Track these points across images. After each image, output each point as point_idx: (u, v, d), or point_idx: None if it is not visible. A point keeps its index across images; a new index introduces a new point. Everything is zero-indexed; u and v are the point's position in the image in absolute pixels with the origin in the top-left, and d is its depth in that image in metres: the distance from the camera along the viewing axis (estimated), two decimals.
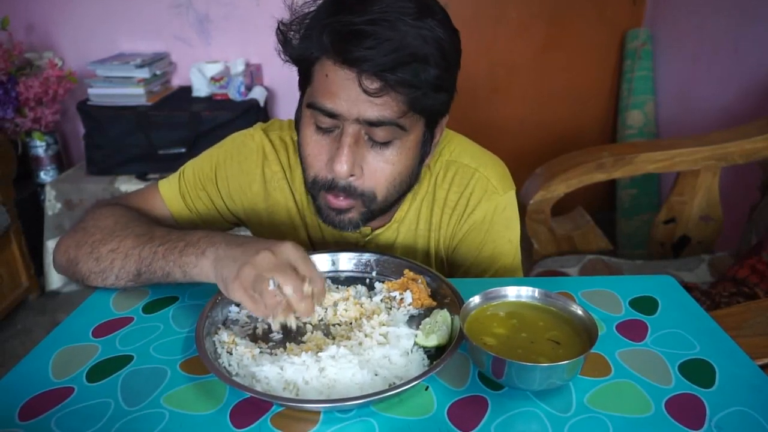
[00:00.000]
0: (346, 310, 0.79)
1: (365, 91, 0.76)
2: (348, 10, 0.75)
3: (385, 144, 0.82)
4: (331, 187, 0.84)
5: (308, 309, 0.68)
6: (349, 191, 0.84)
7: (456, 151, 1.00)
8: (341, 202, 0.85)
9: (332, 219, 0.88)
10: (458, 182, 0.99)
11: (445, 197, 0.99)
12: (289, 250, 0.70)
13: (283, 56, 0.83)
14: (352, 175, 0.83)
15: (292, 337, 0.76)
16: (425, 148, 0.89)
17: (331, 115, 0.79)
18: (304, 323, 0.77)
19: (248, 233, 1.06)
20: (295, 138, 0.99)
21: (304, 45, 0.79)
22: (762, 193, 1.87)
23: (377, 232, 1.00)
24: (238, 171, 1.00)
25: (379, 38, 0.73)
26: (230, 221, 1.05)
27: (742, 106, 2.23)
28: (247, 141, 1.00)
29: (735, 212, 2.04)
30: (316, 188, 0.86)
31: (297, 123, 0.89)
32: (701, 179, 1.85)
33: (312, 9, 0.82)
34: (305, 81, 0.84)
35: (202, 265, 0.75)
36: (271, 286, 0.67)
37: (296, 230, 1.02)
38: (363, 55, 0.73)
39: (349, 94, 0.77)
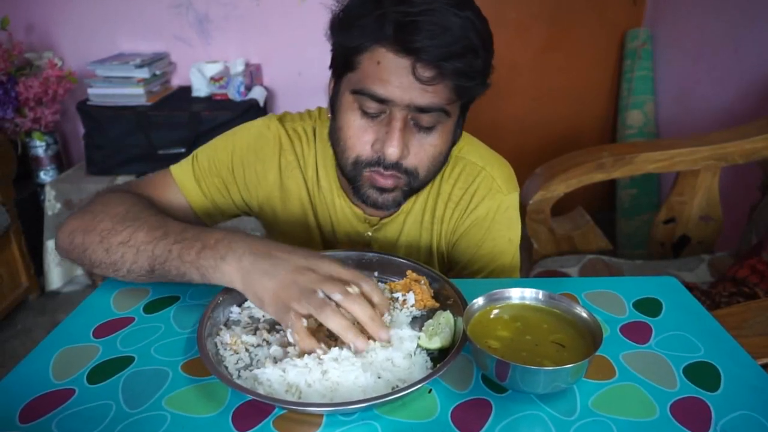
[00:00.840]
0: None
1: (418, 79, 0.78)
2: (396, 0, 0.77)
3: (429, 128, 0.85)
4: (377, 164, 0.86)
5: (363, 308, 0.68)
6: (396, 168, 0.86)
7: (465, 148, 1.02)
8: (388, 181, 0.87)
9: (374, 198, 0.90)
10: (464, 178, 1.01)
11: (450, 192, 1.02)
12: (327, 264, 0.71)
13: (330, 43, 0.86)
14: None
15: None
16: (458, 131, 0.93)
17: (382, 100, 0.81)
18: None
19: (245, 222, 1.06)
20: (308, 129, 1.02)
21: (357, 33, 0.80)
22: (762, 192, 1.87)
23: (385, 221, 1.02)
24: (255, 159, 1.00)
25: (435, 29, 0.75)
26: (241, 209, 1.05)
27: (741, 106, 2.23)
28: (263, 131, 1.01)
29: (735, 212, 2.04)
30: (359, 167, 0.88)
31: (332, 107, 0.91)
32: (701, 179, 1.85)
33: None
34: (346, 68, 0.85)
35: (225, 271, 0.74)
36: (320, 295, 0.67)
37: (306, 217, 1.04)
38: (424, 46, 0.76)
39: (402, 81, 0.79)
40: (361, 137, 0.86)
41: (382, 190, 0.89)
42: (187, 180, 0.99)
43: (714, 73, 2.42)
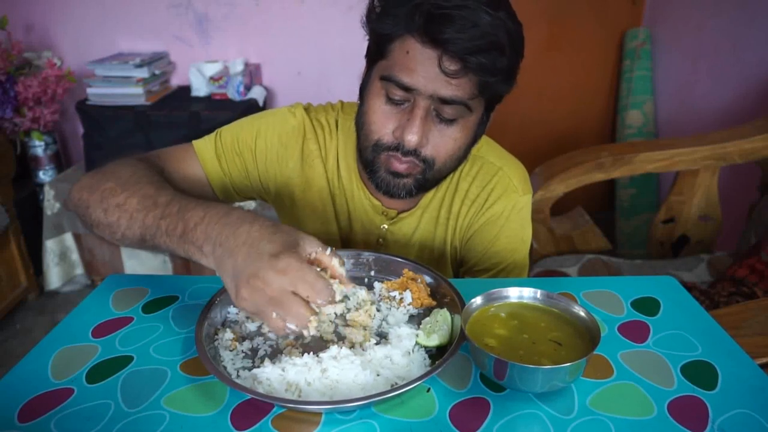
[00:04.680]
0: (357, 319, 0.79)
1: (444, 72, 0.81)
2: None
3: (451, 121, 0.87)
4: (396, 149, 0.88)
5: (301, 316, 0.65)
6: (413, 155, 0.88)
7: (483, 148, 1.05)
8: (402, 166, 0.89)
9: (388, 182, 0.92)
10: (481, 177, 1.03)
11: (467, 189, 1.04)
12: (281, 278, 0.65)
13: (365, 29, 0.88)
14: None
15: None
16: (480, 129, 0.94)
17: (407, 89, 0.84)
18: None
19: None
20: (331, 121, 1.04)
21: (391, 21, 0.83)
22: (761, 192, 1.87)
23: (402, 215, 1.03)
24: (278, 144, 1.02)
25: (465, 23, 0.77)
26: (258, 192, 1.06)
27: (741, 106, 2.23)
28: (289, 117, 1.03)
29: (734, 212, 2.04)
30: (378, 150, 0.90)
31: (362, 93, 0.93)
32: (700, 179, 1.85)
33: None
34: (378, 54, 0.87)
35: (205, 261, 0.72)
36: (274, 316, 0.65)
37: (325, 207, 1.05)
38: (451, 38, 0.78)
39: (428, 71, 0.82)
40: (384, 123, 0.88)
41: (396, 174, 0.90)
42: (209, 155, 1.00)
43: (713, 73, 2.42)
